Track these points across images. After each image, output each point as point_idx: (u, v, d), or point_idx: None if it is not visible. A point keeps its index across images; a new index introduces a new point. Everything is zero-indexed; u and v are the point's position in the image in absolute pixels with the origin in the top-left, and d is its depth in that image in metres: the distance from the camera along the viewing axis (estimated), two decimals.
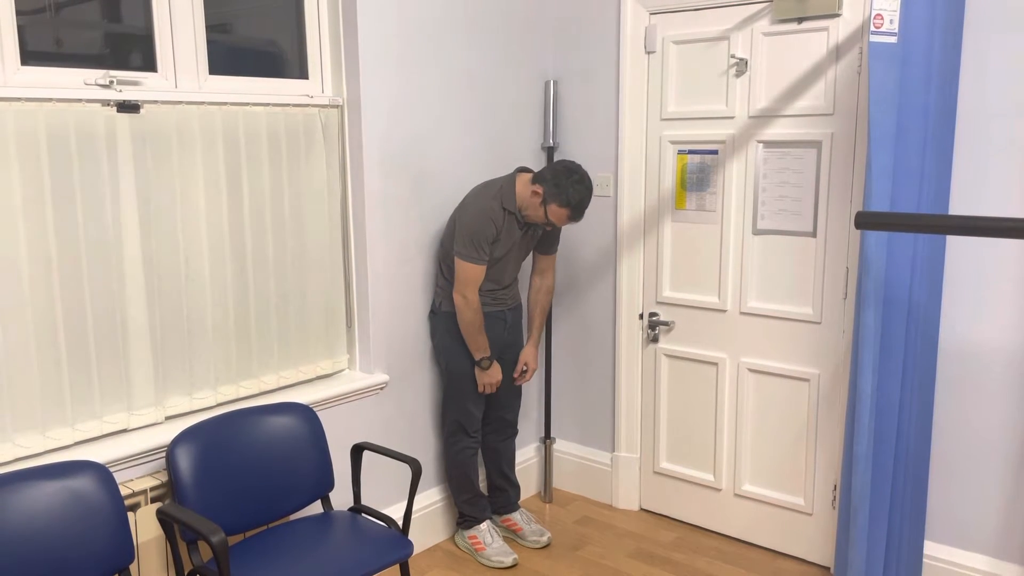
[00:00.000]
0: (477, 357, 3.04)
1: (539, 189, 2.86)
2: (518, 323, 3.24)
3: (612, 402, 3.59)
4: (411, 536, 3.19)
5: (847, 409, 2.68)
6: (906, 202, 2.49)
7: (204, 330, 2.59)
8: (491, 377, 3.08)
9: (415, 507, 3.22)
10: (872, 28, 2.38)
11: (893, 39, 2.38)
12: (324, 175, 2.85)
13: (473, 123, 3.26)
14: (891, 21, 2.37)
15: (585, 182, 2.85)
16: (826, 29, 2.82)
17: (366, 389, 2.96)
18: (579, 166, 2.87)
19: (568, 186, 2.82)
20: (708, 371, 3.30)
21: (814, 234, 2.96)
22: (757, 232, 3.09)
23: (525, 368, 3.25)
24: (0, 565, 1.93)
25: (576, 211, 2.86)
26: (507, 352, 3.20)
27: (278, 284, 2.76)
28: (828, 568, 3.11)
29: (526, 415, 3.70)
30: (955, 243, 2.71)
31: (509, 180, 2.96)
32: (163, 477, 2.36)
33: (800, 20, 2.88)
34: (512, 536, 3.33)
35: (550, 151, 3.57)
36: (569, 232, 3.60)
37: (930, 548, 2.87)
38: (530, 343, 3.27)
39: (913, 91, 2.43)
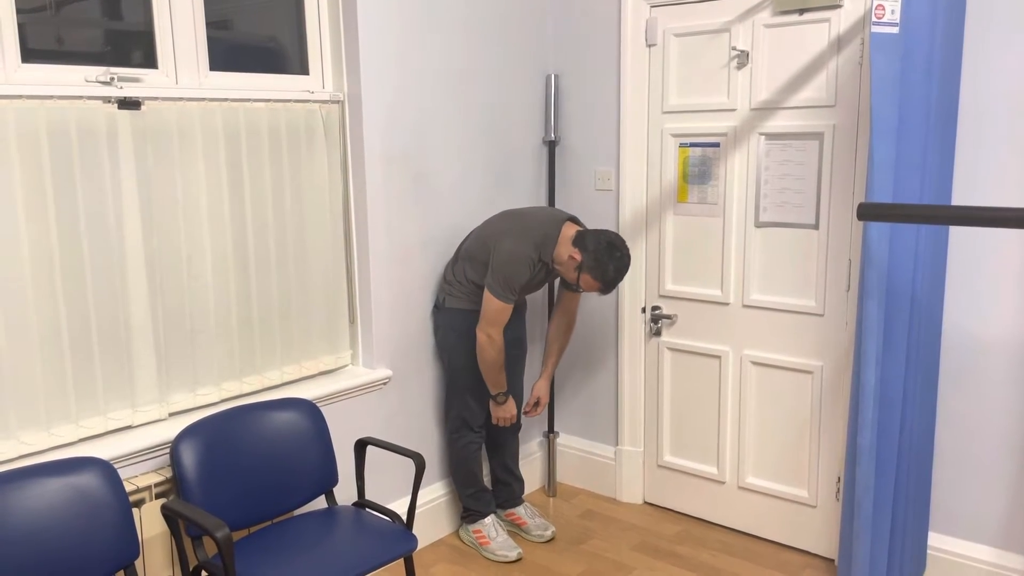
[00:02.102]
0: (493, 392, 3.03)
1: (577, 256, 2.80)
2: (521, 320, 3.23)
3: (615, 396, 3.59)
4: (415, 531, 3.19)
5: (850, 401, 2.68)
6: (908, 193, 2.48)
7: (207, 326, 2.59)
8: (506, 411, 3.08)
9: (419, 502, 3.22)
10: (874, 19, 2.37)
11: (895, 30, 2.37)
12: (325, 171, 2.85)
13: (474, 118, 3.25)
14: (892, 12, 2.36)
15: (625, 260, 2.80)
16: (828, 20, 2.82)
17: (369, 384, 2.96)
18: (623, 242, 2.81)
19: (608, 263, 2.77)
20: (711, 364, 3.30)
21: (816, 226, 2.95)
22: (759, 225, 3.09)
23: (537, 402, 3.25)
24: (6, 562, 1.94)
25: (608, 287, 2.83)
26: (512, 348, 3.19)
27: (280, 280, 2.77)
28: (832, 560, 3.11)
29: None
30: (958, 234, 2.71)
31: (553, 231, 2.86)
32: (167, 473, 2.37)
33: (801, 12, 2.87)
34: (516, 530, 3.34)
35: (551, 145, 3.56)
36: None
37: (934, 539, 2.87)
38: (544, 377, 3.26)
39: (915, 82, 2.42)
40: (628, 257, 2.82)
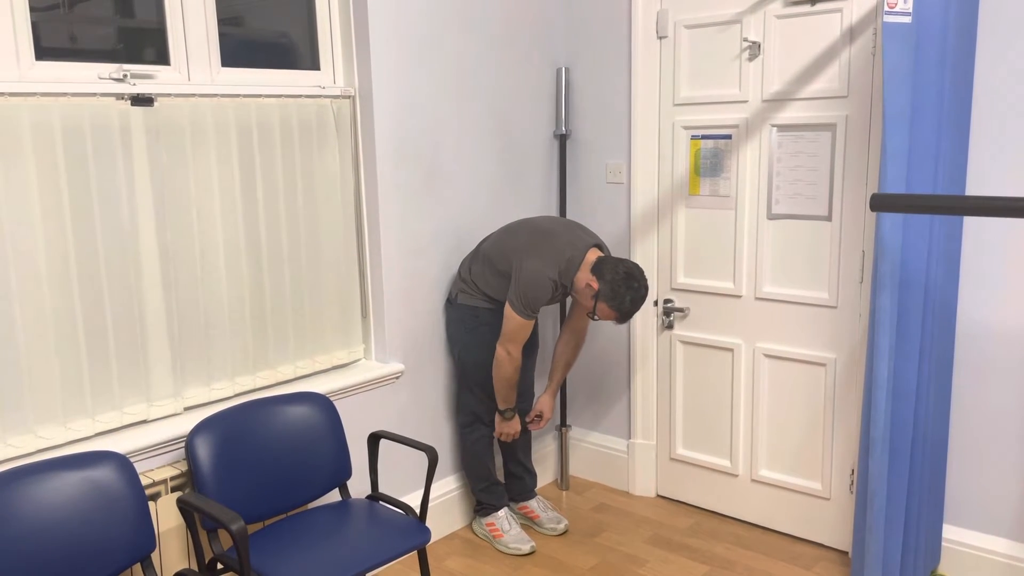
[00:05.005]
0: (501, 407, 3.04)
1: (595, 284, 2.78)
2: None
3: (628, 389, 3.59)
4: (428, 524, 3.21)
5: (864, 393, 2.67)
6: (921, 184, 2.47)
7: (221, 321, 2.61)
8: (511, 427, 3.09)
9: (432, 495, 3.23)
10: (886, 8, 2.35)
11: (907, 19, 2.35)
12: (337, 166, 2.86)
13: (485, 112, 3.25)
14: (905, 1, 2.34)
15: (642, 292, 2.79)
16: (840, 10, 2.80)
17: (382, 378, 2.97)
18: (641, 273, 2.80)
19: (625, 294, 2.76)
20: (724, 357, 3.29)
21: (829, 218, 2.94)
22: (772, 217, 3.08)
23: (540, 415, 3.24)
24: (24, 555, 1.96)
25: (624, 318, 2.82)
26: (523, 350, 3.19)
27: (293, 275, 2.78)
28: (846, 553, 3.10)
29: None
30: (972, 224, 2.69)
31: (578, 255, 2.84)
32: (183, 467, 2.39)
33: (813, 2, 2.85)
34: (529, 523, 3.35)
35: (562, 139, 3.56)
36: (582, 220, 3.59)
37: (949, 532, 2.86)
38: (548, 392, 3.25)
39: (928, 71, 2.40)
40: (646, 288, 2.80)
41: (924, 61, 2.40)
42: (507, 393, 3.00)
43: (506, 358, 2.92)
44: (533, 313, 2.87)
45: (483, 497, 3.23)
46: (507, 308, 2.88)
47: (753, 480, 3.30)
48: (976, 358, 2.73)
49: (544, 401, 3.25)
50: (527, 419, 3.27)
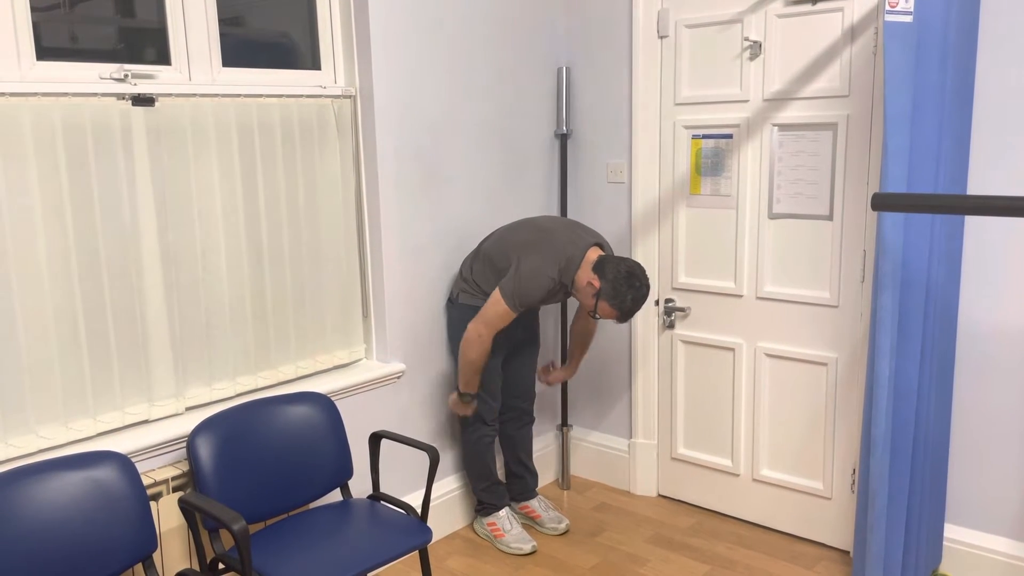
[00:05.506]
0: (462, 390, 2.98)
1: (596, 282, 2.77)
2: (534, 313, 3.23)
3: (629, 389, 3.59)
4: (430, 523, 3.21)
5: (865, 393, 2.67)
6: (923, 184, 2.47)
7: (222, 321, 2.61)
8: (464, 410, 3.04)
9: (433, 494, 3.23)
10: (887, 7, 2.35)
11: (909, 18, 2.35)
12: (338, 166, 2.86)
13: (486, 111, 3.25)
14: (906, 0, 2.34)
15: (643, 291, 2.77)
16: (841, 10, 2.80)
17: (383, 378, 2.97)
18: (643, 272, 2.78)
19: (626, 293, 2.74)
20: (725, 356, 3.29)
21: (830, 217, 2.94)
22: (773, 216, 3.08)
23: (555, 374, 3.32)
24: (26, 555, 1.96)
25: (625, 317, 2.81)
26: (524, 348, 3.19)
27: (294, 274, 2.78)
28: (848, 552, 3.10)
29: (543, 403, 3.71)
30: (973, 223, 2.69)
31: (579, 254, 2.82)
32: (184, 467, 2.39)
33: (815, 1, 2.85)
34: (530, 523, 3.35)
35: (563, 138, 3.56)
36: (583, 219, 3.59)
37: (950, 531, 2.86)
38: (569, 367, 3.33)
39: (929, 70, 2.40)
40: (647, 287, 2.79)
41: (925, 60, 2.40)
42: (471, 377, 2.94)
43: (476, 339, 2.86)
44: (520, 307, 2.85)
45: (484, 497, 3.23)
46: (495, 292, 2.84)
47: (754, 479, 3.30)
48: (977, 358, 2.73)
49: (564, 372, 3.32)
50: (537, 372, 3.31)
